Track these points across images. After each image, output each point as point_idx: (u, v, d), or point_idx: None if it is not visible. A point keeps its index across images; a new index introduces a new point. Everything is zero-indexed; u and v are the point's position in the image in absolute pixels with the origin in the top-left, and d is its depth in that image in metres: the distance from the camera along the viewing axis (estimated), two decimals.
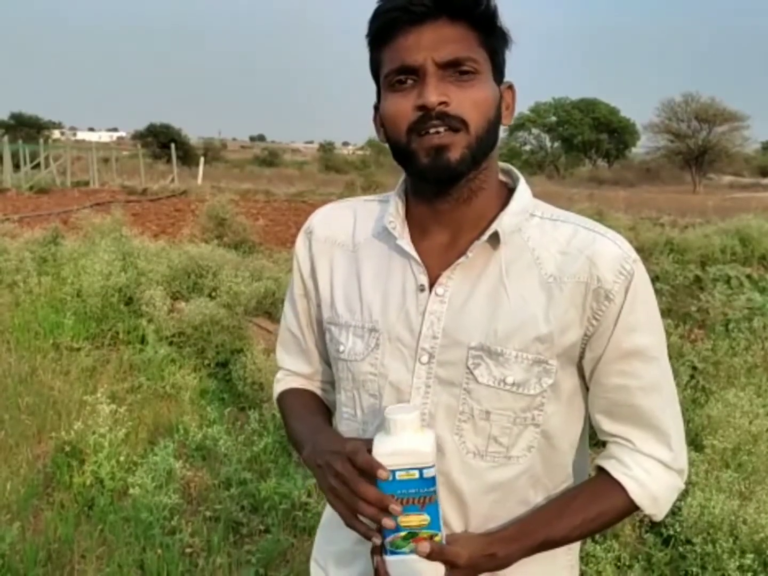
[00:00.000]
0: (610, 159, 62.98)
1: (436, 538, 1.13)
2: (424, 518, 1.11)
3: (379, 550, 1.15)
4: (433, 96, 1.14)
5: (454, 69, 1.16)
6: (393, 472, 1.10)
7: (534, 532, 1.20)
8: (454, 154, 1.16)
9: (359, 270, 1.30)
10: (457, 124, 1.16)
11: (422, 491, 1.11)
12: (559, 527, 1.21)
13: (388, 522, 1.11)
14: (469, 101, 1.16)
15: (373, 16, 1.20)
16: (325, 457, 1.18)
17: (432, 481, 1.11)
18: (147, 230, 12.77)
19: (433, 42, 1.15)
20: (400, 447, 1.10)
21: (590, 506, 1.23)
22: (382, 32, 1.19)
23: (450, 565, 1.14)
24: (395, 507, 1.10)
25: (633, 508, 1.24)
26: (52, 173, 27.01)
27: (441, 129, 1.15)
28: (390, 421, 1.11)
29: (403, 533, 1.12)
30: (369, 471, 1.11)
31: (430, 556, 1.12)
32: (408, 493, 1.10)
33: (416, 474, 1.10)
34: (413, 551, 1.12)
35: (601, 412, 1.26)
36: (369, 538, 1.14)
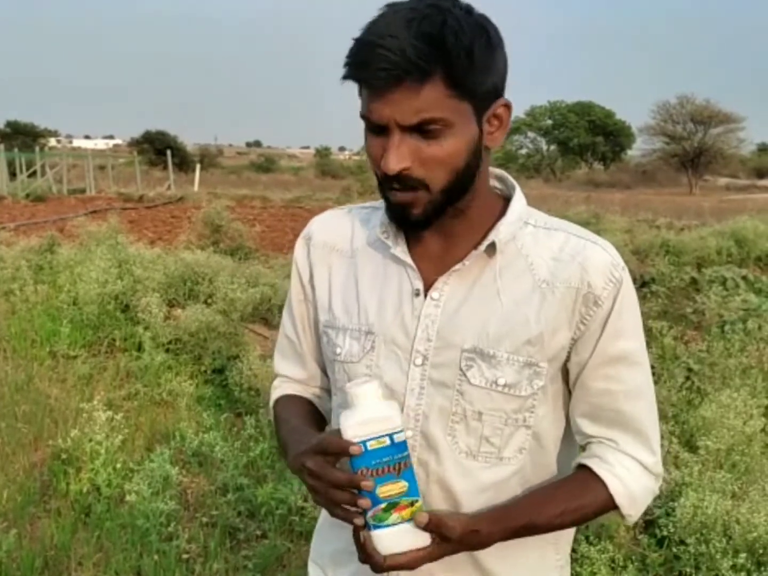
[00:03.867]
0: (606, 161, 63.12)
1: (417, 504, 1.14)
2: (403, 485, 1.12)
3: (363, 528, 1.16)
4: (392, 164, 1.15)
5: (420, 129, 1.15)
6: (364, 443, 1.10)
7: (517, 515, 1.23)
8: (416, 210, 1.20)
9: (357, 275, 1.33)
10: (417, 185, 1.18)
11: (396, 457, 1.11)
12: (542, 514, 1.24)
13: (363, 502, 1.11)
14: (433, 161, 1.16)
15: (344, 63, 1.17)
16: (300, 459, 1.20)
17: (404, 445, 1.12)
18: (143, 237, 12.78)
19: (396, 106, 1.13)
20: (365, 416, 1.12)
21: (572, 498, 1.25)
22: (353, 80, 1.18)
23: (442, 538, 1.15)
24: (367, 483, 1.11)
25: (611, 506, 1.26)
26: (49, 181, 26.96)
27: (402, 191, 1.19)
28: (352, 395, 1.13)
29: (383, 505, 1.12)
30: (341, 451, 1.12)
31: (428, 527, 1.13)
32: (382, 462, 1.11)
33: (387, 441, 1.11)
34: (398, 522, 1.13)
35: (584, 415, 1.28)
36: (351, 521, 1.15)
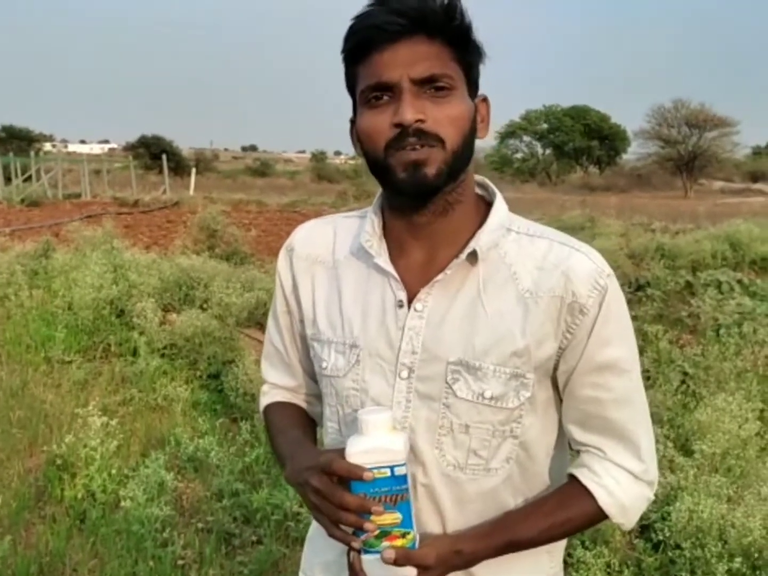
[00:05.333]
0: (602, 165, 63.13)
1: (409, 536, 1.15)
2: (397, 516, 1.14)
3: (357, 550, 1.17)
4: (409, 114, 1.15)
5: (430, 85, 1.17)
6: None
7: (501, 532, 1.23)
8: (431, 169, 1.17)
9: (340, 287, 1.32)
10: (433, 141, 1.17)
11: (394, 489, 1.13)
12: (526, 529, 1.23)
13: (369, 526, 1.13)
14: (445, 117, 1.17)
15: (347, 34, 1.21)
16: (303, 474, 1.20)
17: (403, 479, 1.13)
18: (139, 242, 12.77)
19: (408, 59, 1.16)
20: (371, 445, 1.13)
21: (559, 511, 1.25)
22: (358, 50, 1.20)
23: (420, 567, 1.16)
24: (377, 508, 1.12)
25: (601, 515, 1.26)
26: (44, 186, 26.88)
27: (418, 146, 1.17)
28: (362, 422, 1.15)
29: (375, 532, 1.14)
30: (349, 476, 1.13)
31: (398, 563, 1.14)
32: (380, 492, 1.13)
33: (387, 472, 1.12)
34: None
35: (574, 422, 1.28)
36: (349, 545, 1.17)
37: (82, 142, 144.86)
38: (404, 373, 1.24)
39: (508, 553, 1.24)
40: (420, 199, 1.22)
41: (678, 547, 3.24)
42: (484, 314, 1.22)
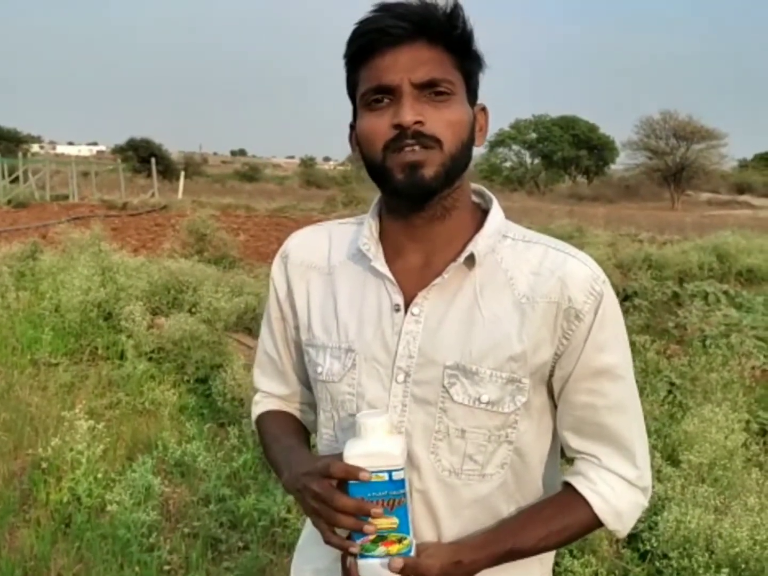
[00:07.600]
0: (590, 175, 63.46)
1: (405, 542, 1.15)
2: (393, 521, 1.14)
3: (354, 555, 1.17)
4: (408, 115, 1.16)
5: (430, 90, 1.18)
6: None
7: (500, 541, 1.22)
8: (429, 171, 1.18)
9: (335, 292, 1.32)
10: (431, 143, 1.18)
11: (391, 494, 1.13)
12: (525, 538, 1.23)
13: (369, 528, 1.13)
14: (443, 121, 1.19)
15: (351, 37, 1.22)
16: (301, 480, 1.20)
17: (401, 483, 1.13)
18: (127, 245, 12.69)
19: (410, 63, 1.18)
20: (369, 449, 1.13)
21: (556, 519, 1.25)
22: (360, 53, 1.21)
23: None
24: (377, 510, 1.12)
25: (597, 523, 1.26)
26: (31, 187, 26.75)
27: (416, 147, 1.18)
28: (360, 425, 1.14)
29: (372, 536, 1.14)
30: (346, 477, 1.13)
31: (404, 571, 1.14)
32: (377, 496, 1.13)
33: (385, 476, 1.12)
34: (383, 555, 1.14)
35: (569, 429, 1.28)
36: (346, 550, 1.16)
37: (71, 143, 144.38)
38: (400, 377, 1.24)
39: (505, 563, 1.23)
40: (417, 202, 1.23)
41: (665, 557, 3.25)
42: (481, 318, 1.22)
